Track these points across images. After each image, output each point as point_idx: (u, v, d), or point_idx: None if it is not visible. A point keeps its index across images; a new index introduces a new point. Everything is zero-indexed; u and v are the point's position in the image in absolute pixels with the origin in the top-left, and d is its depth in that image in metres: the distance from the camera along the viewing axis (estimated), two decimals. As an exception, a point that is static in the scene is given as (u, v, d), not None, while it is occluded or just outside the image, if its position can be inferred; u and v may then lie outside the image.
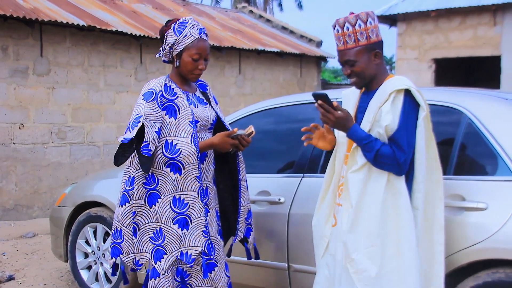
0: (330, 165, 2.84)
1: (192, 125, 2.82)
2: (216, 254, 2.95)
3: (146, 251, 2.87)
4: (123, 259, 2.94)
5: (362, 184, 2.55)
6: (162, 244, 2.82)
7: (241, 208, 3.11)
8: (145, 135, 2.68)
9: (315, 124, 2.82)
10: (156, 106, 2.78)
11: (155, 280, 2.86)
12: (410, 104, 2.52)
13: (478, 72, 13.93)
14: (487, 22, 11.12)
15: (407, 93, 2.52)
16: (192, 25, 2.87)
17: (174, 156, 2.77)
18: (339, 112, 2.53)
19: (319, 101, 2.54)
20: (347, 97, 2.85)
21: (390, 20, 12.64)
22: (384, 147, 2.50)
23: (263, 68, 12.29)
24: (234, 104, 11.48)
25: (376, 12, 12.32)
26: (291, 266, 3.31)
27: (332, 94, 3.45)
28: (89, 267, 4.45)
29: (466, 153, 2.89)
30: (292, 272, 3.32)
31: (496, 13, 10.97)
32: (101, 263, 4.31)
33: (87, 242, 4.43)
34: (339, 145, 2.77)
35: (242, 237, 3.16)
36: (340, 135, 2.77)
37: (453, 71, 13.23)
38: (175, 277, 2.87)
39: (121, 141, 2.66)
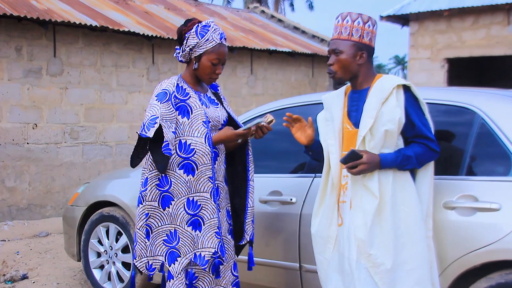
0: (326, 167, 2.88)
1: (206, 125, 2.83)
2: (225, 253, 2.95)
3: (160, 254, 2.87)
4: (135, 263, 2.94)
5: (377, 182, 2.62)
6: (176, 246, 2.83)
7: (249, 209, 3.09)
8: (164, 135, 2.70)
9: (299, 117, 2.96)
10: (171, 106, 2.78)
11: (169, 282, 2.87)
12: (413, 98, 2.68)
13: (491, 71, 13.83)
14: (500, 21, 11.04)
15: (406, 89, 2.66)
16: (214, 30, 2.88)
17: (188, 156, 2.78)
18: (364, 155, 2.58)
19: (349, 164, 2.61)
20: (330, 100, 2.93)
21: (403, 19, 12.58)
22: (415, 148, 2.65)
23: (275, 68, 12.28)
24: (245, 104, 11.49)
25: (388, 11, 12.36)
26: (302, 266, 3.31)
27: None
28: (101, 267, 4.47)
29: (479, 154, 2.87)
30: (303, 272, 3.31)
31: (510, 12, 10.87)
32: (114, 263, 4.33)
33: (100, 242, 4.45)
34: (330, 147, 2.83)
35: (248, 240, 3.13)
36: (328, 137, 2.83)
37: (466, 71, 13.14)
38: (185, 279, 2.86)
39: (139, 133, 2.69)
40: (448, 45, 11.80)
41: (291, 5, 33.70)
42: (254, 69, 11.82)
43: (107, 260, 4.39)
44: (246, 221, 3.10)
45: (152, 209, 2.85)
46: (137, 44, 9.61)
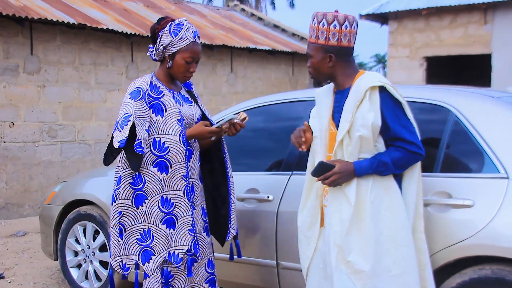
0: (310, 163, 2.84)
1: (180, 124, 2.82)
2: (198, 250, 2.95)
3: (133, 253, 2.86)
4: (111, 262, 2.93)
5: (355, 189, 2.57)
6: (151, 245, 2.82)
7: (232, 205, 3.12)
8: (137, 133, 2.69)
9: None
10: (144, 104, 2.78)
11: (145, 280, 2.86)
12: (389, 99, 2.56)
13: (469, 70, 13.98)
14: (477, 21, 11.17)
15: (382, 89, 2.55)
16: (187, 28, 2.88)
17: (162, 154, 2.78)
18: (336, 165, 2.54)
19: (320, 177, 2.59)
20: (320, 96, 2.85)
21: (382, 18, 12.67)
22: (392, 153, 2.55)
23: (255, 67, 12.28)
24: (226, 102, 11.47)
25: (367, 10, 12.42)
26: (279, 263, 3.32)
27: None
28: (79, 266, 4.44)
29: (452, 151, 2.90)
30: (281, 269, 3.32)
31: (487, 11, 11.01)
32: (91, 261, 4.30)
33: (77, 241, 4.42)
34: (314, 145, 2.78)
35: (234, 234, 3.17)
36: (314, 135, 2.78)
37: (445, 69, 13.27)
38: (160, 277, 2.86)
39: (118, 146, 2.65)
40: (426, 43, 11.91)
41: (272, 3, 33.73)
42: (234, 67, 11.81)
43: (84, 259, 4.36)
44: (231, 217, 3.13)
45: (125, 208, 2.84)
46: (116, 42, 9.54)
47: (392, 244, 2.52)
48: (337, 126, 2.66)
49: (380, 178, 2.56)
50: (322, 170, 2.56)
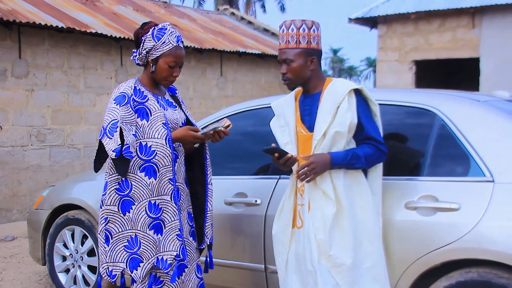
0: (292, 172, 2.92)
1: (165, 127, 2.82)
2: (187, 255, 2.94)
3: (121, 260, 2.83)
4: (100, 268, 2.92)
5: (331, 184, 2.70)
6: (138, 252, 2.79)
7: (208, 212, 3.09)
8: (124, 138, 2.68)
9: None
10: (130, 109, 2.77)
11: (132, 286, 2.85)
12: (364, 101, 2.76)
13: (459, 73, 14.07)
14: (465, 25, 11.24)
15: (357, 92, 2.73)
16: (170, 32, 2.88)
17: (149, 158, 2.76)
18: (310, 159, 2.65)
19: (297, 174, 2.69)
20: (280, 107, 2.96)
21: (371, 22, 12.72)
22: (365, 149, 2.72)
23: (245, 70, 12.30)
24: (216, 106, 11.47)
25: (356, 14, 12.49)
26: (268, 267, 3.32)
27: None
28: (67, 270, 4.42)
29: (439, 154, 2.92)
30: (269, 273, 3.32)
31: (475, 16, 11.09)
32: (79, 266, 4.28)
33: (65, 245, 4.40)
34: (289, 151, 2.82)
35: (208, 243, 3.13)
36: (285, 142, 2.87)
37: (434, 73, 13.34)
38: (147, 283, 2.84)
39: (115, 156, 2.63)
40: (415, 47, 11.97)
41: (263, 6, 33.82)
42: (224, 71, 11.81)
43: (72, 263, 4.34)
44: (206, 224, 3.10)
45: (111, 214, 2.81)
46: (105, 46, 9.51)
47: (366, 237, 2.67)
48: (308, 128, 2.79)
49: (351, 175, 2.71)
50: (274, 151, 2.67)
